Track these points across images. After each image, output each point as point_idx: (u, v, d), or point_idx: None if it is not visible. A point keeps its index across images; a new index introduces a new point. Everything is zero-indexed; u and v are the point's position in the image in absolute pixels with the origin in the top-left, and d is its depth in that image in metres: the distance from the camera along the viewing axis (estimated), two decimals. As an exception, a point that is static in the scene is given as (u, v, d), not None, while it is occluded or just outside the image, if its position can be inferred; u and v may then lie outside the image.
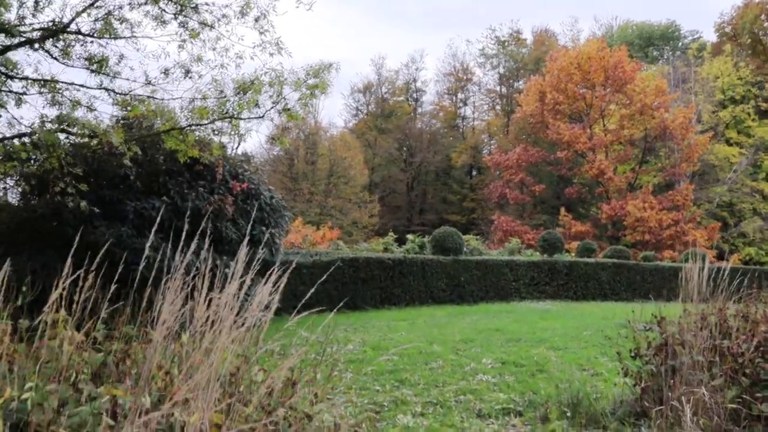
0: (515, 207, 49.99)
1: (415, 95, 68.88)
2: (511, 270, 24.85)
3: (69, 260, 4.75)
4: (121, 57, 14.15)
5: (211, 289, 5.04)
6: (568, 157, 45.74)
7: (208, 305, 4.63)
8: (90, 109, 14.55)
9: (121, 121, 16.42)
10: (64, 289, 4.32)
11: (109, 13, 13.50)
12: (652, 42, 67.36)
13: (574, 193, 46.81)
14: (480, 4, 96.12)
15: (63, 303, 4.32)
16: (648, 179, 46.62)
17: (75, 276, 4.75)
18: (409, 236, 25.24)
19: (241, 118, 12.91)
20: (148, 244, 6.18)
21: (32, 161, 15.28)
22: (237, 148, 15.00)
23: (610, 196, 44.02)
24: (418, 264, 22.40)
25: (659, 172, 46.73)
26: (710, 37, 61.84)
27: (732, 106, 51.28)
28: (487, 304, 22.64)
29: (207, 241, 14.52)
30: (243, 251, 6.07)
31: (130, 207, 15.98)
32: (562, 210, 44.86)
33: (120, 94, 13.83)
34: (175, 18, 13.12)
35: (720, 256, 42.89)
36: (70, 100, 14.36)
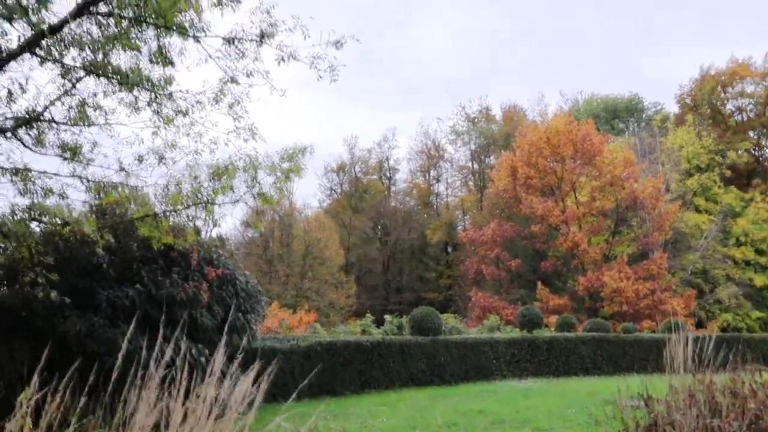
0: (492, 282, 49.96)
1: (388, 174, 69.65)
2: (492, 348, 24.57)
3: (41, 362, 4.54)
4: (95, 144, 14.11)
5: (189, 380, 4.83)
6: (542, 231, 46.12)
7: (186, 399, 4.41)
8: (62, 196, 14.40)
9: (94, 208, 16.27)
10: (30, 398, 4.09)
11: (83, 101, 13.53)
12: (617, 114, 69.33)
13: (550, 266, 46.97)
14: (449, 82, 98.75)
15: (30, 410, 4.09)
16: (622, 249, 47.03)
17: (43, 376, 4.52)
18: (387, 317, 24.96)
19: (216, 204, 12.86)
20: (126, 337, 5.97)
21: (1, 250, 15.00)
22: (211, 231, 14.85)
23: (586, 267, 44.24)
24: (396, 346, 22.05)
25: (632, 241, 47.22)
26: (672, 108, 63.93)
27: (698, 175, 52.48)
28: (469, 384, 22.24)
29: (181, 330, 14.18)
30: (222, 341, 5.88)
31: (103, 296, 15.61)
32: (539, 284, 44.89)
33: (93, 181, 13.72)
34: (149, 105, 13.16)
35: (698, 324, 43.02)
36: (42, 188, 14.20)
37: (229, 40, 10.95)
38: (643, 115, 68.84)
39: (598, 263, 44.29)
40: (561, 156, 45.80)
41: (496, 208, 52.48)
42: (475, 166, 67.57)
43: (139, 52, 12.59)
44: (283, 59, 10.60)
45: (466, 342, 23.99)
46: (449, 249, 64.29)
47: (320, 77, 10.67)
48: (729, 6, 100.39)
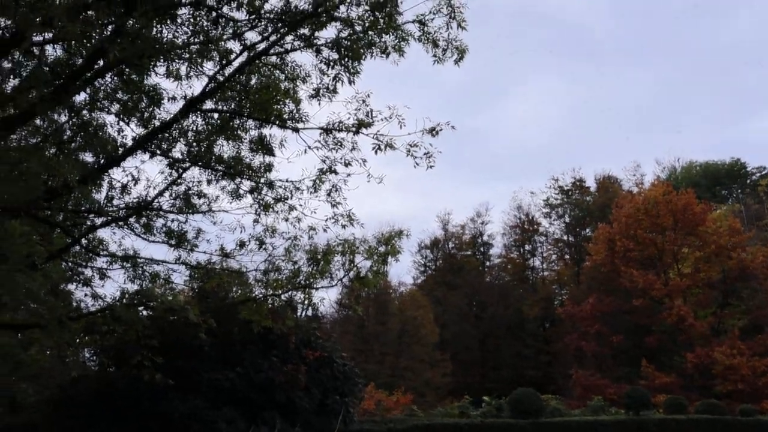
0: (593, 359, 47.94)
1: (482, 249, 69.05)
2: (596, 431, 23.36)
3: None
4: (199, 231, 14.73)
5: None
6: (644, 305, 44.22)
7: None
8: (167, 281, 15.01)
9: (197, 291, 16.83)
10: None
11: (189, 189, 14.20)
12: (719, 181, 66.75)
13: (655, 342, 44.72)
14: (541, 155, 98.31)
15: None
16: (733, 323, 44.36)
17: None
18: (485, 398, 24.31)
19: (314, 288, 13.07)
20: (226, 420, 6.02)
21: (111, 334, 15.65)
22: (307, 309, 15.07)
23: (694, 343, 41.90)
24: (496, 429, 21.33)
25: (744, 314, 44.52)
26: (779, 171, 60.98)
27: (813, 241, 49.46)
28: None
29: (279, 412, 14.23)
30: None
31: (204, 378, 15.96)
32: (644, 361, 42.72)
33: (197, 267, 14.25)
34: (251, 193, 13.68)
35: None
36: (150, 274, 14.87)
37: (327, 130, 11.31)
38: (748, 180, 65.97)
39: (708, 338, 41.89)
40: (661, 227, 44.28)
41: (594, 281, 50.81)
42: (571, 239, 66.15)
43: (241, 141, 13.20)
44: (380, 148, 10.83)
45: (569, 425, 22.96)
46: (547, 324, 62.48)
47: (417, 164, 10.82)
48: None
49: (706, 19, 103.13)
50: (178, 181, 13.89)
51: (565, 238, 67.05)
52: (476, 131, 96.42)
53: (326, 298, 13.48)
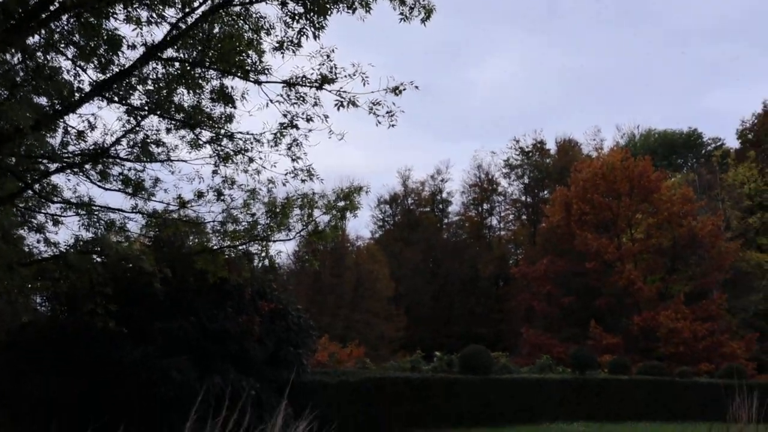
0: (543, 319, 49.13)
1: (441, 206, 69.52)
2: (542, 389, 24.11)
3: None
4: (157, 180, 14.53)
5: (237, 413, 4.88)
6: (596, 268, 45.25)
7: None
8: (123, 229, 14.85)
9: (153, 239, 16.70)
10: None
11: (147, 137, 13.95)
12: (675, 150, 67.94)
13: (604, 304, 45.97)
14: (504, 116, 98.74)
15: None
16: (679, 288, 45.75)
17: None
18: (437, 353, 24.80)
19: (272, 241, 13.10)
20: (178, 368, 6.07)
21: (64, 280, 15.50)
22: (264, 261, 15.10)
23: (641, 306, 43.18)
24: (446, 384, 21.85)
25: (690, 281, 45.91)
26: (733, 143, 62.32)
27: (761, 212, 50.96)
28: (518, 426, 21.84)
29: (233, 363, 14.37)
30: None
31: (157, 326, 15.96)
32: (592, 322, 43.93)
33: (153, 216, 14.12)
34: (210, 143, 13.52)
35: (760, 369, 41.37)
36: (105, 222, 14.69)
37: (290, 84, 11.19)
38: (702, 151, 67.33)
39: (654, 302, 43.19)
40: (617, 192, 45.09)
41: (549, 243, 51.71)
42: (529, 199, 66.99)
43: (202, 91, 12.97)
44: (342, 105, 10.78)
45: (516, 382, 23.63)
46: (501, 283, 63.59)
47: (379, 123, 10.81)
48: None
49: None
50: (136, 128, 13.63)
51: (523, 198, 67.86)
52: (444, 90, 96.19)
53: (283, 251, 13.53)
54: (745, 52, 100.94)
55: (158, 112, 13.11)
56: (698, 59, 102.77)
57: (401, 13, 10.55)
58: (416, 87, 10.77)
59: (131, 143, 13.65)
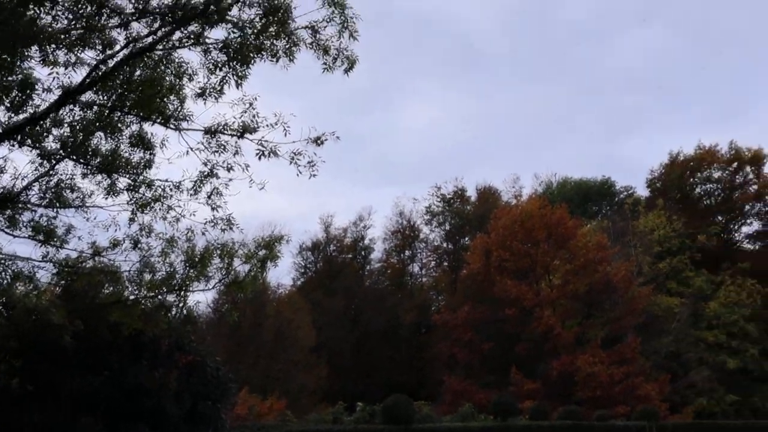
0: (465, 366, 49.27)
1: (363, 253, 69.41)
2: (466, 436, 24.07)
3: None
4: (70, 227, 13.96)
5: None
6: (515, 314, 45.87)
7: None
8: (31, 279, 14.10)
9: (64, 290, 15.91)
10: None
11: (61, 182, 13.41)
12: (590, 197, 70.40)
13: (524, 350, 46.51)
14: (425, 163, 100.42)
15: None
16: (596, 333, 46.79)
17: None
18: (359, 404, 24.46)
19: (190, 291, 12.71)
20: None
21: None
22: (182, 311, 14.52)
23: (560, 351, 43.92)
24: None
25: (605, 325, 47.05)
26: (643, 192, 65.14)
27: (669, 258, 53.01)
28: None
29: (147, 420, 13.69)
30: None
31: (66, 384, 15.11)
32: (513, 368, 44.36)
33: (66, 267, 13.50)
34: (128, 190, 13.10)
35: (673, 409, 42.55)
36: (12, 271, 13.91)
37: (211, 132, 11.02)
38: (615, 199, 70.02)
39: (572, 347, 44.02)
40: (535, 239, 46.09)
41: (470, 290, 52.20)
42: (450, 246, 67.73)
43: (121, 135, 12.61)
44: (264, 154, 10.68)
45: (438, 431, 23.49)
46: (422, 330, 63.58)
47: (300, 173, 10.75)
48: (697, 94, 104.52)
49: (590, 44, 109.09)
50: (50, 173, 13.10)
51: (444, 245, 68.56)
52: (368, 136, 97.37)
53: (202, 301, 13.15)
54: (652, 103, 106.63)
55: (74, 157, 12.65)
56: (610, 110, 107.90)
57: (324, 63, 10.60)
58: (337, 137, 10.81)
59: (44, 188, 13.10)
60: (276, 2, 9.92)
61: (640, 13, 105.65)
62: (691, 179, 60.30)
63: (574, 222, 46.84)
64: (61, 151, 12.26)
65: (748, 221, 59.39)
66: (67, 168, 12.93)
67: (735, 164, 57.69)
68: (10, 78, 10.40)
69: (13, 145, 11.79)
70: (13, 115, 11.33)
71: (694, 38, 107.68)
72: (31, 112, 11.00)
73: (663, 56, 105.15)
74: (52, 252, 13.46)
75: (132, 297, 13.93)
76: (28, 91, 10.60)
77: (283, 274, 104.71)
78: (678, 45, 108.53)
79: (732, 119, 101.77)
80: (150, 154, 12.21)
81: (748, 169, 57.47)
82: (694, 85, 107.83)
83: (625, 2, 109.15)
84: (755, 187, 56.79)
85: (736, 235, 60.65)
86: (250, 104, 10.95)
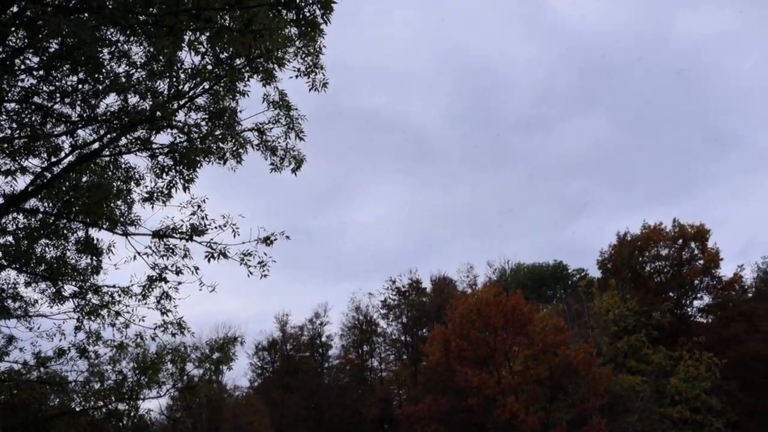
0: (431, 459, 48.00)
1: (321, 350, 68.41)
2: None
3: None
4: (11, 338, 13.51)
5: None
6: (478, 403, 45.25)
7: None
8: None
9: (5, 403, 15.18)
10: None
11: (2, 291, 13.07)
12: (544, 282, 71.16)
13: (490, 439, 45.72)
14: (379, 256, 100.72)
15: None
16: (561, 417, 46.31)
17: None
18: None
19: (141, 398, 12.29)
20: None
21: None
22: (133, 420, 13.90)
23: (526, 439, 43.19)
24: None
25: (570, 408, 46.64)
26: (595, 273, 66.09)
27: (627, 336, 53.33)
28: None
29: None
30: None
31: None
32: (480, 459, 43.47)
33: (7, 380, 12.97)
34: (74, 297, 12.80)
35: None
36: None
37: (160, 236, 10.95)
38: (569, 281, 70.94)
39: (538, 433, 43.36)
40: (492, 327, 46.01)
41: (431, 381, 51.53)
42: (408, 338, 67.19)
43: (66, 242, 12.42)
44: (213, 257, 10.61)
45: None
46: (386, 426, 62.14)
47: (250, 274, 10.68)
48: (640, 176, 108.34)
49: (535, 133, 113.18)
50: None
51: (402, 338, 67.99)
52: (321, 233, 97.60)
53: (154, 410, 12.71)
54: (597, 187, 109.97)
55: (17, 265, 12.37)
56: (558, 195, 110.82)
57: (272, 164, 10.75)
58: (287, 237, 10.86)
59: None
60: (222, 106, 10.12)
61: (581, 100, 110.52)
62: (641, 258, 61.53)
63: (530, 307, 47.04)
64: (3, 260, 11.99)
65: (699, 295, 60.49)
66: (9, 276, 12.62)
67: (680, 241, 59.16)
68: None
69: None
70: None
71: (632, 122, 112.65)
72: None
73: (604, 141, 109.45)
74: (-9, 367, 12.95)
75: (79, 408, 13.37)
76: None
77: (239, 376, 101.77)
78: (618, 129, 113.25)
79: (674, 198, 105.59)
80: (97, 259, 12.03)
81: (693, 244, 58.96)
82: (636, 168, 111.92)
83: (566, 92, 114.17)
84: (701, 261, 58.16)
85: (689, 309, 61.64)
86: (199, 206, 10.97)
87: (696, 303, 61.07)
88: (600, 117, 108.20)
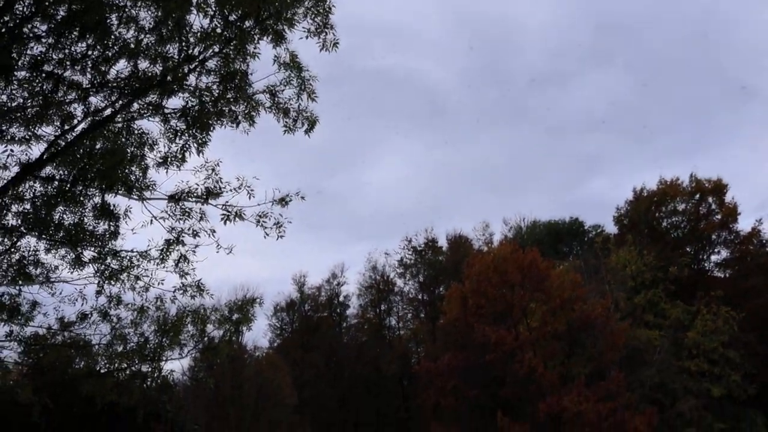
0: (451, 414, 48.71)
1: (338, 310, 69.08)
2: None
3: None
4: (35, 303, 13.73)
5: None
6: (497, 359, 45.64)
7: None
8: (-3, 360, 13.78)
9: (32, 367, 15.53)
10: None
11: (24, 258, 13.24)
12: (560, 238, 70.94)
13: (509, 393, 46.17)
14: (395, 216, 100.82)
15: None
16: (579, 371, 46.65)
17: None
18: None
19: (164, 360, 12.51)
20: None
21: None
22: (156, 380, 14.27)
23: (545, 392, 43.62)
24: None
25: (588, 362, 46.94)
26: (612, 229, 65.72)
27: (644, 291, 53.28)
28: None
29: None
30: None
31: (41, 463, 14.67)
32: (499, 413, 43.93)
33: (32, 343, 13.25)
34: (94, 262, 12.96)
35: (663, 441, 42.32)
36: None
37: (175, 199, 11.02)
38: (585, 238, 70.65)
39: (557, 387, 43.76)
40: (510, 283, 46.18)
41: (449, 338, 51.99)
42: (426, 297, 67.58)
43: (83, 208, 12.52)
44: (229, 219, 10.69)
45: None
46: (405, 382, 62.96)
47: (267, 235, 10.75)
48: (656, 129, 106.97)
49: (551, 88, 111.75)
50: (12, 250, 12.93)
51: (419, 296, 68.41)
52: (336, 194, 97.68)
53: (176, 371, 12.96)
54: (614, 142, 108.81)
55: (36, 232, 12.52)
56: (574, 151, 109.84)
57: (285, 125, 10.72)
58: (302, 197, 10.87)
59: (6, 265, 12.91)
60: (232, 68, 10.08)
61: (597, 55, 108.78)
62: (657, 213, 61.11)
63: (546, 263, 47.07)
64: (22, 227, 12.13)
65: (716, 249, 60.15)
66: (30, 243, 12.78)
67: (697, 195, 58.66)
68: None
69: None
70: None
71: (650, 77, 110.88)
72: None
73: (621, 96, 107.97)
74: (17, 329, 13.21)
75: (104, 369, 13.65)
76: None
77: (259, 337, 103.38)
78: (635, 84, 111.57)
79: (693, 153, 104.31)
80: (114, 224, 12.14)
81: (710, 199, 58.44)
82: (653, 123, 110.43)
83: (582, 47, 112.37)
84: (719, 216, 57.70)
85: (706, 264, 61.37)
86: (213, 170, 11.01)
87: (713, 257, 60.74)
88: (617, 72, 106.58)
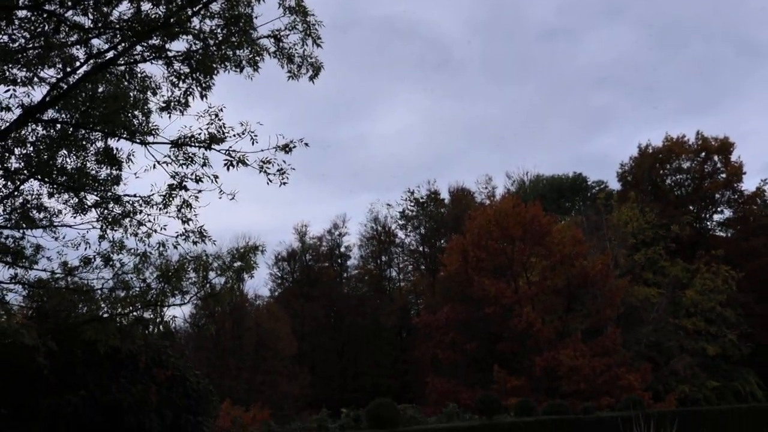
0: (449, 366, 49.34)
1: (339, 260, 69.41)
2: (452, 436, 24.07)
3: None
4: (38, 247, 13.77)
5: None
6: (496, 312, 46.01)
7: None
8: (1, 302, 13.88)
9: (36, 311, 15.66)
10: None
11: (27, 202, 13.25)
12: (563, 194, 70.89)
13: (506, 347, 46.71)
14: (397, 168, 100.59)
15: None
16: (576, 326, 47.09)
17: None
18: (344, 410, 24.36)
19: (166, 306, 12.58)
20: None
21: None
22: (159, 326, 14.34)
23: (542, 347, 44.12)
24: (355, 440, 21.45)
25: (586, 318, 47.35)
26: (615, 185, 65.71)
27: (644, 249, 53.52)
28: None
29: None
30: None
31: (43, 404, 14.88)
32: (496, 366, 44.48)
33: (35, 286, 13.32)
34: (96, 207, 12.96)
35: (656, 397, 42.94)
36: (-20, 295, 13.69)
37: (178, 145, 10.94)
38: (588, 194, 70.60)
39: (553, 342, 44.23)
40: (511, 237, 46.27)
41: (449, 291, 52.35)
42: (426, 249, 67.84)
43: (86, 153, 12.47)
44: (232, 164, 10.63)
45: (425, 432, 23.48)
46: (404, 334, 63.64)
47: (270, 181, 10.69)
48: (664, 86, 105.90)
49: (559, 42, 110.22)
50: (15, 193, 12.92)
51: (420, 249, 68.68)
52: (339, 144, 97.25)
53: (178, 316, 13.04)
54: (621, 99, 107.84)
55: (39, 176, 12.49)
56: (581, 107, 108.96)
57: (289, 71, 10.58)
58: (306, 144, 10.80)
59: (9, 209, 12.92)
60: (237, 12, 9.91)
61: (608, 10, 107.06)
62: (661, 170, 61.02)
63: (548, 218, 47.10)
64: (25, 171, 12.10)
65: (719, 209, 60.26)
66: (32, 187, 12.77)
67: (703, 154, 58.53)
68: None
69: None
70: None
71: (660, 34, 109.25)
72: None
73: (631, 53, 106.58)
74: (21, 273, 13.28)
75: (107, 314, 13.75)
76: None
77: (260, 286, 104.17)
78: (645, 41, 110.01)
79: (700, 112, 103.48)
80: (117, 169, 12.11)
81: (716, 158, 58.32)
82: (662, 81, 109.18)
83: (592, 1, 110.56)
84: (724, 175, 57.63)
85: (708, 223, 61.55)
86: (216, 115, 10.91)
87: (716, 217, 60.96)
88: (627, 28, 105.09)
